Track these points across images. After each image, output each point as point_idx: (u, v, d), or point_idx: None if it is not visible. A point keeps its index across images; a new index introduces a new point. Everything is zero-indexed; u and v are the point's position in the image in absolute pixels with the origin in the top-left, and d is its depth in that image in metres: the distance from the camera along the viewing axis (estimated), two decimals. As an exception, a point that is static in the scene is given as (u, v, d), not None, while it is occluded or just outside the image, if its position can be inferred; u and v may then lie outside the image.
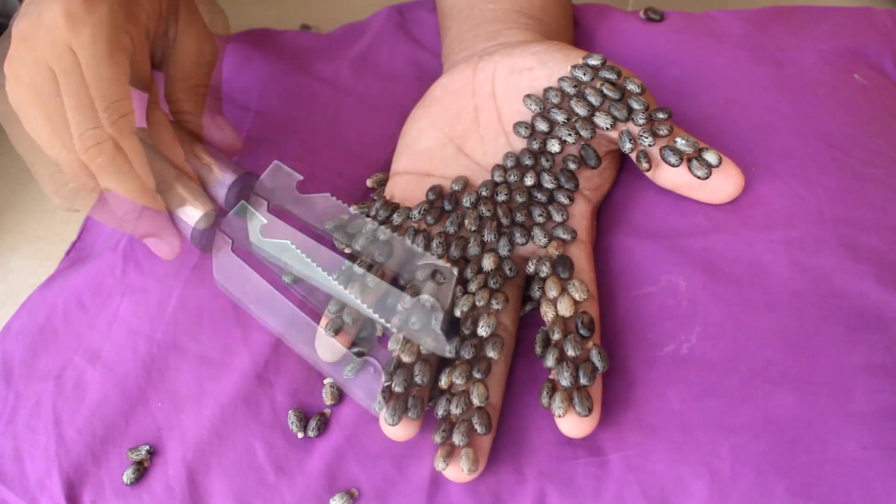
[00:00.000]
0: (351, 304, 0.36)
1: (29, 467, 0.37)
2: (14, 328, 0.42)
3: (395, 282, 0.39)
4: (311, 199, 0.39)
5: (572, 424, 0.33)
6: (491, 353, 0.35)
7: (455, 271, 0.36)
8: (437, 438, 0.33)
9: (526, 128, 0.40)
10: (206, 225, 0.38)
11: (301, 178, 0.39)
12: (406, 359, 0.35)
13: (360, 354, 0.37)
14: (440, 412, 0.34)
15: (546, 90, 0.40)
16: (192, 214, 0.38)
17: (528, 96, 0.40)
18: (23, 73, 0.35)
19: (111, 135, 0.35)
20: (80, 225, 0.50)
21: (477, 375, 0.34)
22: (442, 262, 0.38)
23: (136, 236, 0.39)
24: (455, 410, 0.33)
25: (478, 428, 0.33)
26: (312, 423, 0.36)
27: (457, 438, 0.33)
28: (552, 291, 0.36)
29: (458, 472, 0.33)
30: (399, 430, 0.34)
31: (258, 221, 0.38)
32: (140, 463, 0.36)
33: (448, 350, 0.35)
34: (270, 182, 0.39)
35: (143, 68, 0.38)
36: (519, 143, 0.40)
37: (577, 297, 0.36)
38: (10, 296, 0.50)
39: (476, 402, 0.34)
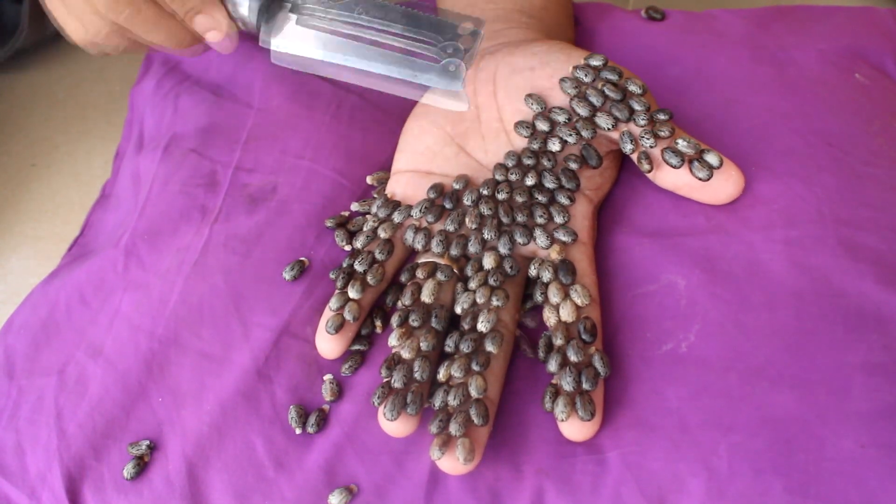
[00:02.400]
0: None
1: (30, 461, 0.37)
2: (16, 323, 0.42)
3: (395, 279, 0.39)
4: None
5: (575, 429, 0.34)
6: (490, 348, 0.35)
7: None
8: (434, 428, 0.33)
9: (527, 127, 0.40)
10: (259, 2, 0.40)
11: None
12: (406, 355, 0.35)
13: (359, 352, 0.37)
14: (437, 403, 0.34)
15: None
16: None
17: (530, 96, 0.40)
18: None
19: None
20: (81, 224, 0.50)
21: (475, 368, 0.34)
22: (442, 261, 0.38)
23: (196, 36, 0.41)
24: (452, 402, 0.34)
25: (475, 419, 0.33)
26: (312, 419, 0.36)
27: (453, 428, 0.33)
28: (555, 297, 0.36)
29: (453, 462, 0.33)
30: (397, 426, 0.34)
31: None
32: (140, 458, 0.36)
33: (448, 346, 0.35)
34: None
35: None
36: (520, 143, 0.40)
37: (579, 302, 0.36)
38: (10, 295, 0.50)
39: (474, 393, 0.34)
